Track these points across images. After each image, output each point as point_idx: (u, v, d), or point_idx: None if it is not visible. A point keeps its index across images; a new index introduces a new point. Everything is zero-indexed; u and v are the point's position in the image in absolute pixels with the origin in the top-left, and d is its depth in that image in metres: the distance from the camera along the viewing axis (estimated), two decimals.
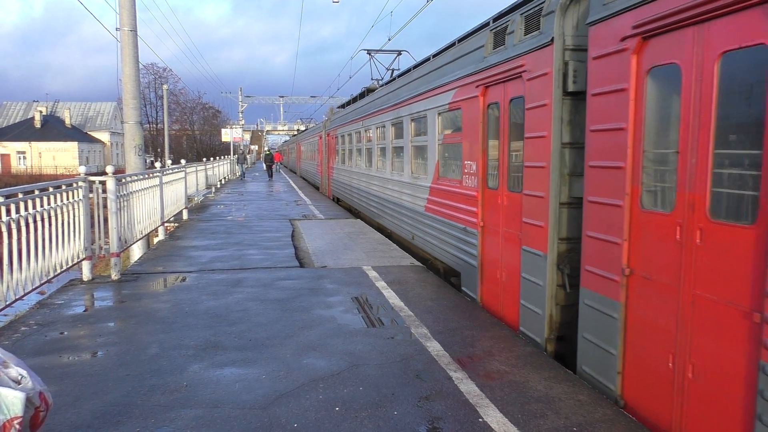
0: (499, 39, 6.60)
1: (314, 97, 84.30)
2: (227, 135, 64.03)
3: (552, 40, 5.33)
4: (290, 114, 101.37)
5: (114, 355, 5.29)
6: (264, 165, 44.50)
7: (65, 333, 5.93)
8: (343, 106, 21.24)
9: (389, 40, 21.53)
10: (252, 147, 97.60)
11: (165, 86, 40.95)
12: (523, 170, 5.96)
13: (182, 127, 79.45)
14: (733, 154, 3.46)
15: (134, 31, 13.30)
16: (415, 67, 10.89)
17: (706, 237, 3.58)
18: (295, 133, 75.45)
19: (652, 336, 4.08)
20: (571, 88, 5.22)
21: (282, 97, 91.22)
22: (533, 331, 5.78)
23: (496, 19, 7.00)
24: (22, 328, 6.04)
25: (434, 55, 9.46)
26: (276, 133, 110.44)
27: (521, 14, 6.07)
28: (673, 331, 3.87)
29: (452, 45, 8.58)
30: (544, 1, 5.57)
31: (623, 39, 4.27)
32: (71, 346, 5.52)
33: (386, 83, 14.06)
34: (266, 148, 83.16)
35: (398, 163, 11.75)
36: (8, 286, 6.10)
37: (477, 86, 7.18)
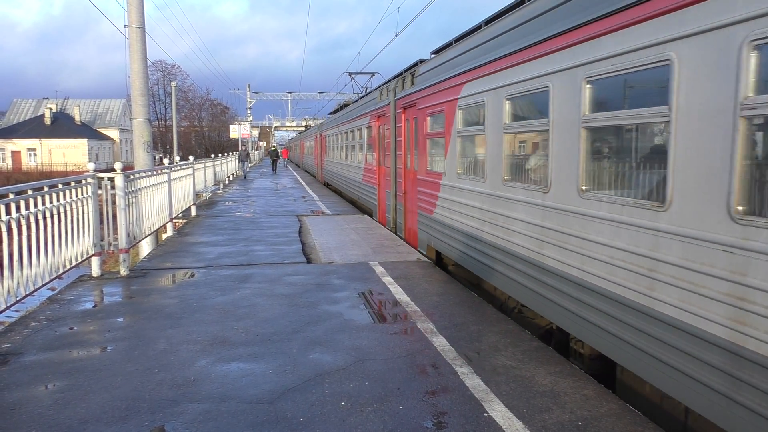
0: (380, 95, 14.07)
1: (322, 93, 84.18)
2: (235, 131, 64.23)
3: (390, 102, 12.46)
4: (298, 110, 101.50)
5: (123, 350, 5.34)
6: (270, 160, 46.89)
7: (75, 328, 5.99)
8: (332, 113, 29.14)
9: (396, 35, 21.50)
10: (260, 143, 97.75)
11: (173, 83, 41.09)
12: (386, 157, 13.19)
13: (191, 124, 79.73)
14: (422, 148, 9.81)
15: (142, 28, 13.36)
16: (359, 98, 19.67)
17: (417, 178, 10.24)
18: (303, 129, 75.75)
19: (408, 215, 11.17)
20: (397, 123, 12.05)
21: (290, 93, 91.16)
22: (388, 226, 13.15)
23: (383, 84, 14.62)
24: (33, 324, 6.11)
25: (373, 91, 16.51)
26: (284, 129, 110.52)
27: (386, 87, 13.35)
28: (411, 212, 10.77)
29: (374, 90, 16.15)
30: (389, 84, 12.91)
31: (400, 107, 11.40)
32: (81, 341, 5.58)
33: (354, 102, 21.34)
34: (274, 144, 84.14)
35: (353, 155, 19.09)
36: (19, 282, 6.17)
37: (375, 116, 14.47)
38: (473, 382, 4.61)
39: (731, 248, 3.42)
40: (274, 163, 44.54)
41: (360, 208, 17.76)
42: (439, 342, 5.53)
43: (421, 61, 10.78)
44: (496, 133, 6.67)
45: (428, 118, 9.53)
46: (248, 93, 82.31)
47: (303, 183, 30.84)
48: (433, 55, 10.00)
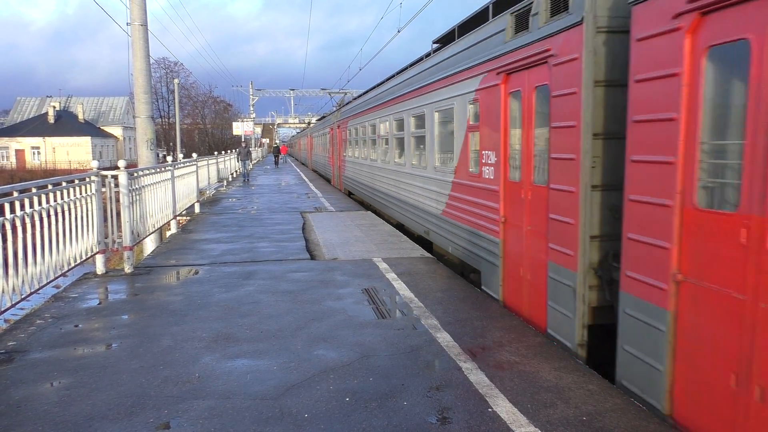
0: (333, 117, 26.63)
1: (324, 89, 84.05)
2: (238, 128, 64.21)
3: (334, 122, 25.51)
4: (302, 107, 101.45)
5: (128, 347, 5.36)
6: (273, 157, 54.67)
7: (80, 326, 6.01)
8: (318, 120, 44.86)
9: (398, 31, 21.47)
10: (263, 140, 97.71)
11: (176, 80, 41.08)
12: (335, 150, 24.70)
13: (194, 121, 79.72)
14: (343, 145, 23.35)
15: (145, 25, 13.37)
16: (330, 114, 30.94)
17: (341, 158, 23.20)
18: (305, 126, 76.23)
19: (341, 177, 23.63)
20: (338, 133, 24.51)
21: (292, 90, 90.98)
22: (335, 185, 25.36)
23: (336, 110, 26.88)
24: (38, 321, 6.13)
25: (331, 113, 29.70)
26: (287, 126, 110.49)
27: (334, 113, 27.05)
28: (341, 176, 23.36)
29: (332, 113, 29.46)
30: (335, 111, 26.68)
31: (337, 125, 24.55)
32: (86, 339, 5.60)
33: (329, 114, 32.44)
34: (277, 141, 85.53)
35: (323, 149, 31.42)
36: (24, 280, 6.20)
37: (330, 128, 27.09)
38: (477, 377, 4.61)
39: (432, 179, 9.51)
40: (276, 158, 51.49)
41: (325, 178, 31.33)
42: (443, 338, 5.53)
43: (348, 102, 22.46)
44: (361, 140, 17.40)
45: (342, 132, 21.89)
46: (251, 90, 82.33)
47: (306, 180, 30.86)
48: (353, 99, 21.53)
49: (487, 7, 7.28)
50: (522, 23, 5.99)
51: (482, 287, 7.37)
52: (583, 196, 4.99)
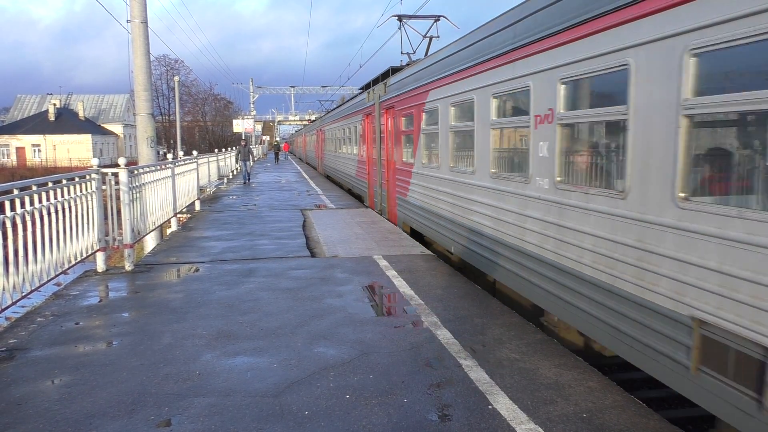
0: (317, 122, 42.23)
1: (325, 86, 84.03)
2: (239, 126, 64.17)
3: (318, 126, 37.85)
4: (302, 104, 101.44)
5: (128, 344, 5.37)
6: (273, 154, 58.73)
7: (80, 323, 6.02)
8: (312, 122, 52.80)
9: (399, 29, 21.40)
10: (264, 137, 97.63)
11: (176, 78, 41.00)
12: (321, 146, 34.52)
13: (194, 119, 79.60)
14: (323, 143, 33.61)
15: (145, 23, 13.34)
16: (318, 119, 44.15)
17: (322, 150, 34.43)
18: (306, 123, 76.59)
19: (323, 165, 34.24)
20: (321, 134, 35.47)
21: (293, 87, 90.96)
22: (318, 168, 37.71)
23: (320, 117, 43.27)
24: (39, 319, 6.14)
25: (318, 118, 43.30)
26: (287, 123, 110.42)
27: (318, 120, 42.80)
28: (322, 164, 34.24)
29: (317, 119, 45.47)
30: (319, 119, 41.86)
31: (320, 129, 35.98)
32: (86, 336, 5.60)
33: (318, 118, 43.41)
34: (278, 139, 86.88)
35: (312, 145, 44.87)
36: (24, 278, 6.20)
37: (317, 131, 38.59)
38: (478, 374, 4.61)
39: (353, 160, 19.72)
40: (276, 155, 56.00)
41: (313, 167, 40.68)
42: (444, 335, 5.54)
43: (329, 111, 33.17)
44: (331, 140, 27.37)
45: (322, 134, 32.57)
46: (251, 87, 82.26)
47: (306, 177, 30.86)
48: (329, 112, 33.11)
49: (370, 81, 16.28)
50: (368, 97, 15.35)
51: (365, 204, 16.81)
52: (377, 162, 14.34)
